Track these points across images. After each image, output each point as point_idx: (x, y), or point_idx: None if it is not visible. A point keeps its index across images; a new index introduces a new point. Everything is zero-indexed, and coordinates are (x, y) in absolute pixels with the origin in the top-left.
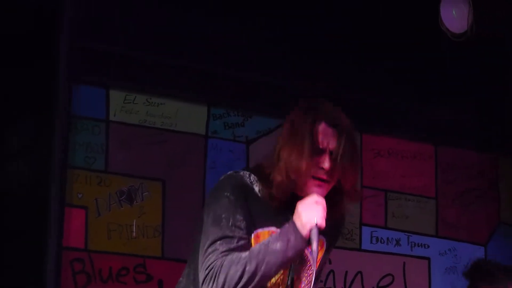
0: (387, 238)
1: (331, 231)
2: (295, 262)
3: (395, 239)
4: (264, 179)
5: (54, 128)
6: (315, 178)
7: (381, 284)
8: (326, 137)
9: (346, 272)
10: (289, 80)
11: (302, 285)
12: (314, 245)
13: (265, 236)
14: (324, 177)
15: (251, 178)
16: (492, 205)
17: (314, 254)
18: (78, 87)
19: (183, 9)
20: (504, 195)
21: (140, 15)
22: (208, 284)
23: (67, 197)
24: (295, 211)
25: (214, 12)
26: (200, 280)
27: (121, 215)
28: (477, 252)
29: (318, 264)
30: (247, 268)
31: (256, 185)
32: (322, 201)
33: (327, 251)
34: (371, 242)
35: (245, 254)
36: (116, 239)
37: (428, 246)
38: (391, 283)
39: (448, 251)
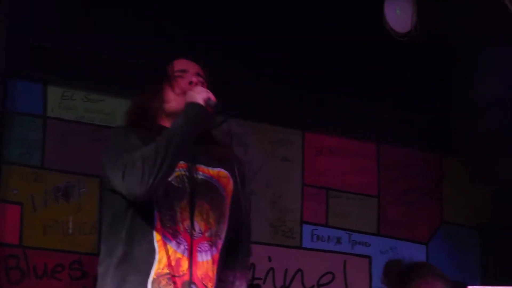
0: (328, 236)
1: (230, 165)
2: (201, 192)
3: (336, 237)
4: (136, 124)
5: None
6: (185, 92)
7: (321, 282)
8: (185, 62)
9: (286, 269)
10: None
11: (217, 216)
12: (212, 102)
13: None
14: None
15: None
16: (434, 204)
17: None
18: (14, 82)
19: (120, 4)
20: (447, 195)
21: (78, 10)
22: (128, 174)
23: (2, 193)
24: (186, 98)
25: (149, 6)
26: (119, 180)
27: (57, 211)
28: (419, 251)
29: (229, 197)
30: (159, 145)
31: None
32: (205, 87)
33: (236, 190)
34: (311, 240)
35: (153, 143)
36: (52, 236)
37: (369, 245)
38: (332, 281)
39: (390, 249)
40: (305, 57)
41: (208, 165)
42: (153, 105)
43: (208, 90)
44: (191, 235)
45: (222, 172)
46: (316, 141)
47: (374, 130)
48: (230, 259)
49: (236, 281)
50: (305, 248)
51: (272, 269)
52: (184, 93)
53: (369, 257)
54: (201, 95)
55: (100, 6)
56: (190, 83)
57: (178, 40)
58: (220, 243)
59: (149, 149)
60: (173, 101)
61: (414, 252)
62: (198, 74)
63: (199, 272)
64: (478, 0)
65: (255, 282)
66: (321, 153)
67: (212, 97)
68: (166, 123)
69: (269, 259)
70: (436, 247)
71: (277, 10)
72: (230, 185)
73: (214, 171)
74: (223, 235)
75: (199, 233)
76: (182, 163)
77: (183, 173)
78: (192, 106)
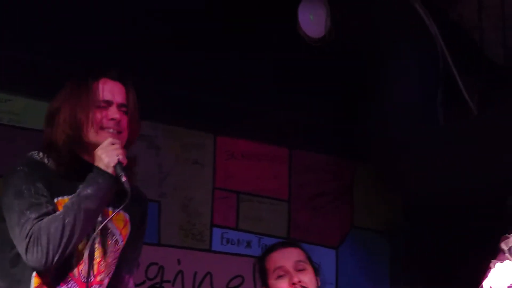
0: (238, 240)
1: (132, 207)
2: (98, 233)
3: (246, 241)
4: (51, 151)
5: None
6: (104, 128)
7: (230, 285)
8: (111, 90)
9: (196, 273)
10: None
11: (110, 260)
12: (123, 178)
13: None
14: (115, 127)
15: (40, 154)
16: (345, 209)
17: (126, 184)
18: None
19: (31, 4)
20: (357, 200)
21: None
22: (32, 251)
23: None
24: (95, 156)
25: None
26: (23, 251)
27: None
28: (328, 255)
29: (125, 240)
30: (66, 221)
31: (46, 159)
32: (117, 141)
33: (134, 230)
34: (221, 244)
35: (60, 211)
36: None
37: None
38: (241, 284)
39: None
40: (218, 61)
41: (112, 205)
42: (69, 133)
43: (120, 149)
44: (86, 280)
45: (121, 215)
46: (228, 145)
47: (287, 135)
48: None
49: None
50: (215, 252)
51: (181, 272)
52: (102, 128)
53: None
54: (111, 158)
55: (9, 4)
56: (112, 120)
57: (90, 41)
58: (107, 281)
59: (56, 224)
60: (91, 132)
61: (324, 257)
62: (122, 106)
63: None
64: (391, 7)
65: (163, 285)
66: (232, 157)
67: (123, 159)
68: (82, 152)
69: (179, 262)
70: (346, 252)
71: (190, 14)
72: (127, 229)
73: (112, 212)
74: (111, 274)
75: (92, 277)
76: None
77: None
78: (102, 175)
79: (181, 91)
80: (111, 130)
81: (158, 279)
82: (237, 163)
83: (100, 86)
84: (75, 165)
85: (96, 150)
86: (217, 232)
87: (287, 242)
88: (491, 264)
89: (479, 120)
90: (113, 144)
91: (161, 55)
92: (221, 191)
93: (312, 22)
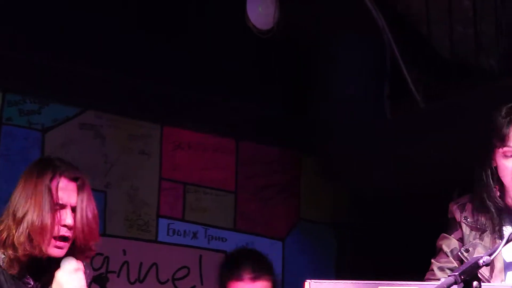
0: (184, 231)
1: None
2: None
3: (193, 232)
4: (6, 248)
5: None
6: (56, 238)
7: (176, 276)
8: (66, 192)
9: (141, 263)
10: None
11: None
12: None
13: None
14: (67, 234)
15: None
16: (292, 201)
17: None
18: None
19: None
20: (304, 192)
21: None
22: None
23: None
24: (55, 281)
25: None
26: None
27: None
28: (275, 247)
29: None
30: None
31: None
32: (81, 267)
33: None
34: (167, 234)
35: None
36: None
37: (226, 240)
38: (187, 275)
39: (246, 245)
40: (165, 51)
41: None
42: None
43: (84, 272)
44: None
45: None
46: (175, 136)
47: (234, 126)
48: None
49: None
50: (161, 242)
51: (126, 262)
52: (42, 246)
53: (225, 252)
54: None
55: None
56: (64, 226)
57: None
58: None
59: None
60: (25, 235)
61: (270, 248)
62: (74, 209)
63: None
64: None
65: (108, 275)
66: (179, 147)
67: None
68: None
69: (124, 252)
70: (293, 243)
71: (135, 1)
72: None
73: None
74: None
75: None
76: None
77: None
78: None
79: (127, 80)
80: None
81: (103, 270)
82: (184, 154)
83: (60, 187)
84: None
85: (57, 273)
86: (163, 222)
87: (260, 272)
88: (433, 266)
89: (425, 113)
90: (76, 270)
91: (107, 43)
92: (168, 181)
93: (261, 13)
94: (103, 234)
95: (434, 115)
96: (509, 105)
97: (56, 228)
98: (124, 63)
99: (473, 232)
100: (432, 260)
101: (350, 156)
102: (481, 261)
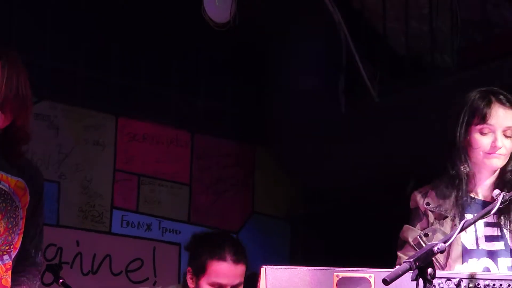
0: (138, 223)
1: (30, 178)
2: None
3: (146, 224)
4: None
5: None
6: None
7: (129, 268)
8: None
9: (95, 255)
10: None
11: (9, 226)
12: None
13: None
14: None
15: None
16: (246, 194)
17: None
18: None
19: None
20: (258, 185)
21: None
22: None
23: None
24: None
25: None
26: None
27: None
28: None
29: (24, 208)
30: None
31: None
32: None
33: (32, 202)
34: (121, 226)
35: None
36: None
37: (180, 232)
38: (140, 267)
39: None
40: (123, 43)
41: (8, 172)
42: None
43: None
44: None
45: (20, 182)
46: (130, 127)
47: (189, 118)
48: (21, 268)
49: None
50: (115, 234)
51: (80, 253)
52: None
53: (179, 244)
54: None
55: None
56: None
57: None
58: (13, 252)
59: None
60: None
61: None
62: None
63: None
64: None
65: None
66: (134, 139)
67: None
68: None
69: (77, 243)
70: (247, 236)
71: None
72: (27, 197)
73: (12, 179)
74: (18, 245)
75: None
76: None
77: None
78: None
79: (82, 71)
80: None
81: (56, 260)
82: (139, 145)
83: None
84: None
85: None
86: (117, 214)
87: (240, 256)
88: (400, 259)
89: (380, 108)
90: None
91: (62, 33)
92: (122, 173)
93: (217, 7)
94: (57, 225)
95: (388, 109)
96: (482, 88)
97: None
98: (80, 54)
99: (436, 220)
100: (398, 253)
101: (305, 150)
102: (435, 248)
